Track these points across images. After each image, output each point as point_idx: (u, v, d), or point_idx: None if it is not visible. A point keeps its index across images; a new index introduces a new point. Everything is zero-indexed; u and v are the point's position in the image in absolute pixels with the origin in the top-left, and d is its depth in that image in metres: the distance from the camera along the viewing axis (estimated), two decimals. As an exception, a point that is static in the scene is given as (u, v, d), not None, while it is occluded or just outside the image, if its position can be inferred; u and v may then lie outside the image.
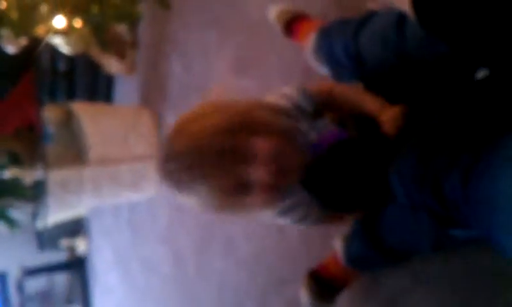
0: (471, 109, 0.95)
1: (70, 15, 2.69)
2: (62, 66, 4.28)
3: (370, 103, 1.25)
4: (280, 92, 1.23)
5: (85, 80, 4.34)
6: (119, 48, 3.70)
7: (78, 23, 2.78)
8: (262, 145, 1.03)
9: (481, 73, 1.06)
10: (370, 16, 1.36)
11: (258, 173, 1.02)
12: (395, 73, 1.27)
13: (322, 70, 1.60)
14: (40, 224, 3.73)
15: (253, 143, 1.03)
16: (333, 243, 1.58)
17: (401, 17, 1.20)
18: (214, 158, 1.01)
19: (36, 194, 3.48)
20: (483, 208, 0.78)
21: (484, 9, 0.81)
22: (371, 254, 1.45)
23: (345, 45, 1.43)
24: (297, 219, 1.23)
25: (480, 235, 0.85)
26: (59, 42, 2.99)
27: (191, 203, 1.09)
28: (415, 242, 1.34)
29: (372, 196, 1.16)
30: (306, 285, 1.61)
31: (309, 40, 1.62)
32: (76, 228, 5.75)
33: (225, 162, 1.02)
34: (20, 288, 6.05)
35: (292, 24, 1.77)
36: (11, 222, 3.95)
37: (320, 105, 1.23)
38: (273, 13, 1.83)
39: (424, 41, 1.14)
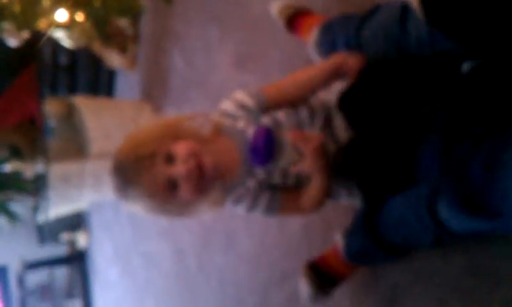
0: (488, 96, 0.94)
1: (72, 8, 2.68)
2: (64, 60, 4.28)
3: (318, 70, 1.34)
4: (234, 95, 1.35)
5: (87, 74, 4.33)
6: (121, 42, 3.70)
7: (80, 17, 2.77)
8: (180, 147, 1.22)
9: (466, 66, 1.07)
10: (373, 12, 1.37)
11: (178, 170, 1.21)
12: (396, 68, 1.28)
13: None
14: (41, 218, 3.74)
15: (174, 146, 1.23)
16: (334, 236, 1.59)
17: (404, 13, 1.20)
18: (144, 163, 1.21)
19: (37, 187, 3.49)
20: (502, 197, 0.80)
21: (491, 11, 0.82)
22: (372, 249, 1.45)
23: (347, 40, 1.43)
24: (247, 208, 1.33)
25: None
26: (61, 36, 2.99)
27: (137, 208, 1.28)
28: (415, 237, 1.34)
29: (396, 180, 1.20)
30: (306, 276, 1.62)
31: (311, 35, 1.62)
32: (77, 221, 5.77)
33: (152, 165, 1.21)
34: (20, 281, 6.06)
35: (294, 19, 1.77)
36: (11, 216, 3.96)
37: (274, 105, 1.32)
38: (275, 8, 1.82)
39: (426, 37, 1.14)
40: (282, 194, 1.33)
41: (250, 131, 1.28)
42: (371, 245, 1.44)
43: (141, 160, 1.21)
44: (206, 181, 1.24)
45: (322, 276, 1.60)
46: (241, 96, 1.32)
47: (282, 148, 1.26)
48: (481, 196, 0.88)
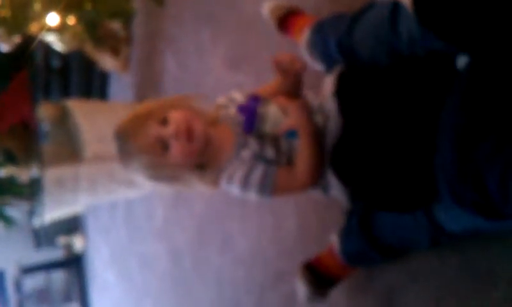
0: (496, 97, 0.93)
1: (63, 12, 2.68)
2: (56, 64, 4.26)
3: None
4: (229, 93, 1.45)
5: (79, 77, 4.32)
6: (113, 45, 3.69)
7: (71, 20, 2.77)
8: (175, 114, 1.30)
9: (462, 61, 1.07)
10: (364, 11, 1.36)
11: (170, 131, 1.28)
12: (388, 68, 1.27)
13: (317, 66, 1.60)
14: (37, 222, 3.73)
15: (171, 113, 1.30)
16: (330, 237, 1.59)
17: (394, 12, 1.20)
18: (140, 121, 1.31)
19: (32, 191, 3.48)
20: None
21: (482, 11, 0.82)
22: (368, 250, 1.45)
23: (339, 41, 1.43)
24: (240, 181, 1.32)
25: None
26: (52, 39, 2.98)
27: (134, 170, 1.35)
28: (412, 239, 1.35)
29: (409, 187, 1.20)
30: (302, 276, 1.62)
31: (303, 36, 1.62)
32: (73, 225, 5.75)
33: (147, 123, 1.30)
34: (17, 286, 6.05)
35: (285, 20, 1.76)
36: (7, 220, 3.94)
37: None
38: (267, 9, 1.82)
39: (416, 37, 1.14)
40: (277, 168, 1.32)
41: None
42: (367, 246, 1.44)
43: (137, 118, 1.32)
44: (194, 146, 1.29)
45: (319, 277, 1.60)
46: (235, 94, 1.42)
47: (267, 106, 1.28)
48: (497, 206, 0.88)
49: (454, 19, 0.86)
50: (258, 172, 1.30)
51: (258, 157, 1.32)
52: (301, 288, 1.62)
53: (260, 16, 1.88)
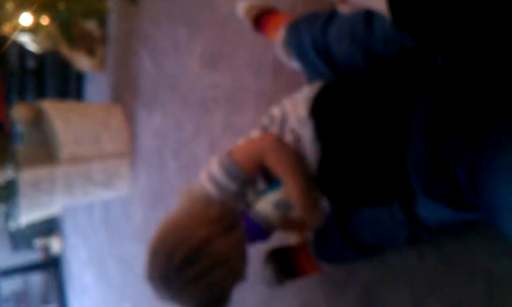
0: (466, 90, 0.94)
1: (37, 12, 2.65)
2: (31, 64, 4.22)
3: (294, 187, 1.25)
4: (208, 171, 1.29)
5: (55, 78, 4.28)
6: (88, 45, 3.66)
7: (45, 20, 2.74)
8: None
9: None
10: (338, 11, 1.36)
11: None
12: (364, 67, 1.27)
13: (292, 64, 1.60)
14: (13, 225, 3.69)
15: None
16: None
17: (368, 12, 1.20)
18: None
19: (7, 194, 3.44)
20: (488, 206, 0.80)
21: (459, 16, 0.82)
22: (344, 248, 1.46)
23: (314, 39, 1.42)
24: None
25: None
26: (26, 40, 2.95)
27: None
28: (389, 235, 1.35)
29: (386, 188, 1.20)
30: (269, 258, 1.64)
31: (278, 35, 1.61)
32: (50, 227, 5.70)
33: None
34: (-6, 289, 6.00)
35: (260, 20, 1.76)
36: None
37: (250, 175, 1.28)
38: (241, 9, 1.81)
39: (391, 36, 1.14)
40: None
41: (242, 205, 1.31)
42: (343, 244, 1.44)
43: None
44: None
45: (286, 264, 1.61)
46: (219, 176, 1.28)
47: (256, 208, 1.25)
48: (468, 198, 0.89)
49: (429, 22, 0.86)
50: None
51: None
52: (265, 269, 1.64)
53: (235, 15, 1.88)
